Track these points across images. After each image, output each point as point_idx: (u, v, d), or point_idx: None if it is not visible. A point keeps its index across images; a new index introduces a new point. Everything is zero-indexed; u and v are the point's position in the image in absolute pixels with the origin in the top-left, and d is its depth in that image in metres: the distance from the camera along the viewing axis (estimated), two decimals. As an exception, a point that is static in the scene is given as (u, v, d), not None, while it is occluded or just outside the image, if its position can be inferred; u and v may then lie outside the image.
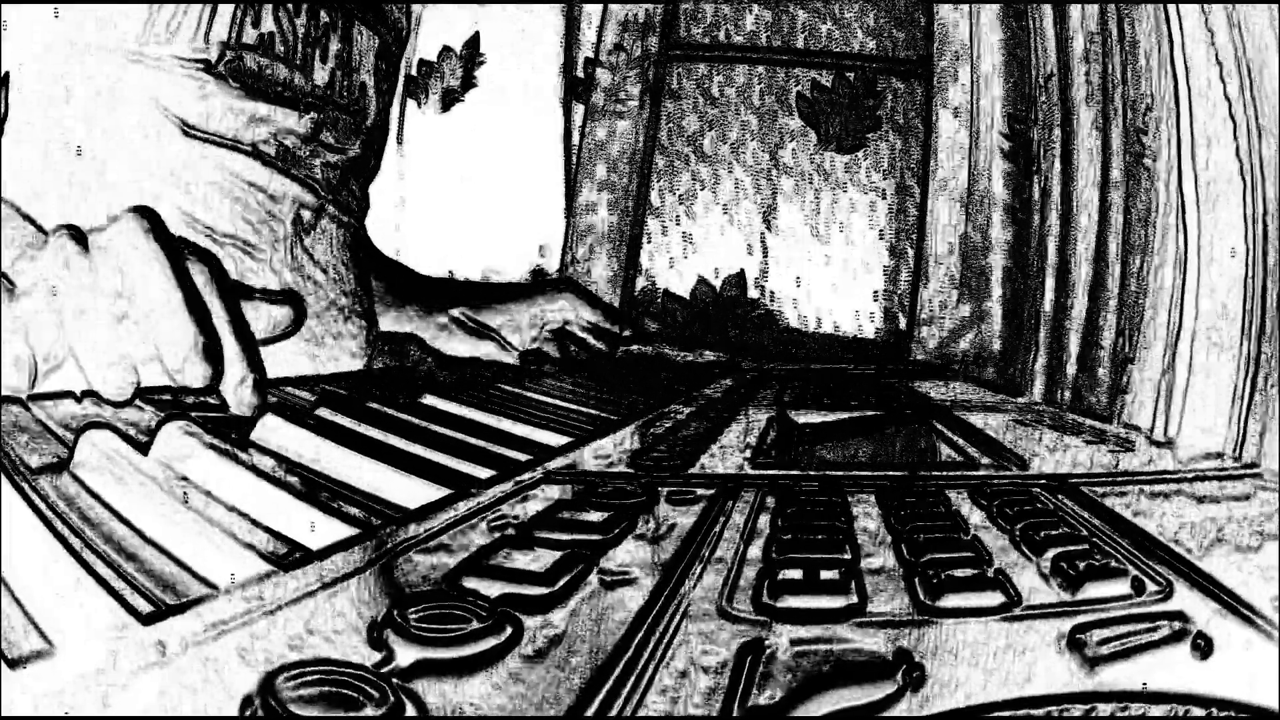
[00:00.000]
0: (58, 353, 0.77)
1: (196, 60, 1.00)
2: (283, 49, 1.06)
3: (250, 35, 1.03)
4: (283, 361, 1.07)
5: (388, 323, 1.48)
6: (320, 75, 1.10)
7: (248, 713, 0.42)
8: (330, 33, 1.10)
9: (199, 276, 0.78)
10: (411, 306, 1.50)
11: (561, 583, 0.55)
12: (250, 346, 0.79)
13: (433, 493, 0.74)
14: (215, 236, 1.03)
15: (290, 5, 1.06)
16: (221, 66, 1.01)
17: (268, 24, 1.04)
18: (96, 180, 0.98)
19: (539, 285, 1.66)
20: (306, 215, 1.09)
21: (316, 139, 1.11)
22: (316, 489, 0.73)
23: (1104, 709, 0.44)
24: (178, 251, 0.78)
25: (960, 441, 1.02)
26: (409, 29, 1.37)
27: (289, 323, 0.87)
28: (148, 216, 0.79)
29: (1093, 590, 0.57)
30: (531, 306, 1.57)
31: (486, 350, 1.52)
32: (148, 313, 0.75)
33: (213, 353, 0.76)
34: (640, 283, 1.90)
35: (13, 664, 0.46)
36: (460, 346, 1.51)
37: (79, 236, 0.79)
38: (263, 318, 0.85)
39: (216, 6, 1.01)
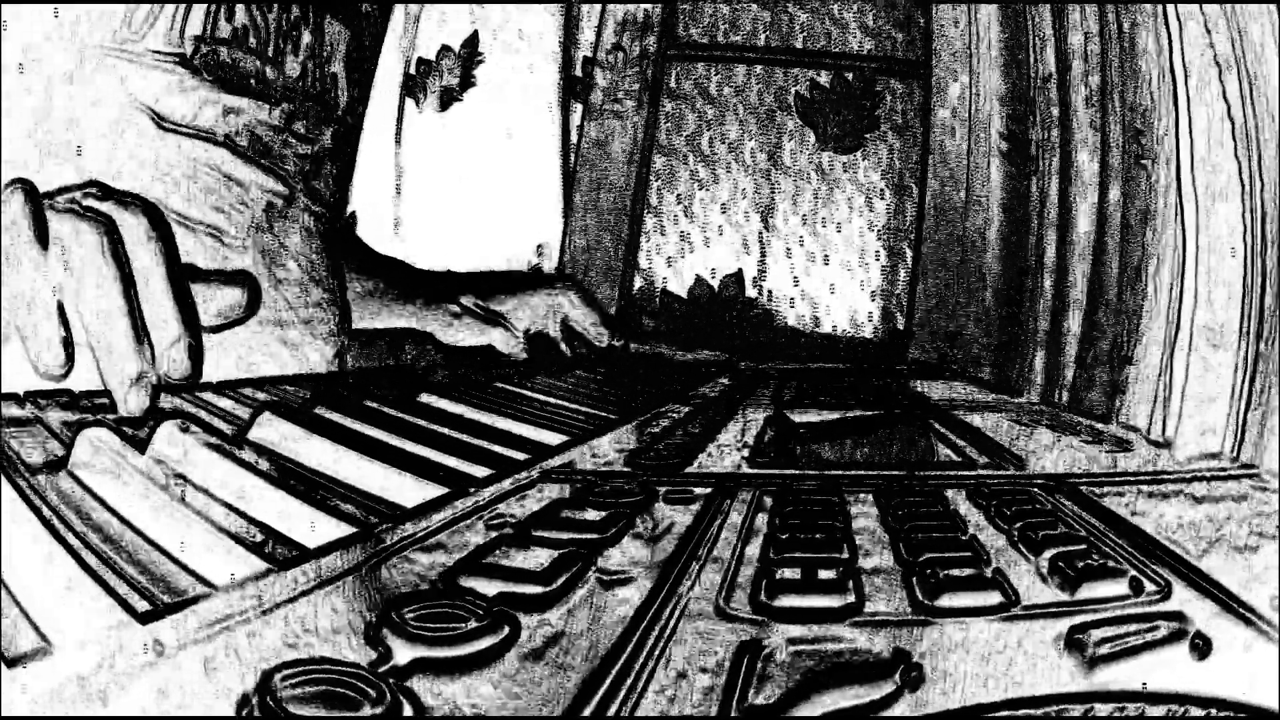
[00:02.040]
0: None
1: (172, 54, 1.00)
2: (255, 42, 1.06)
3: (224, 29, 1.03)
4: (253, 348, 1.07)
5: (390, 319, 1.48)
6: (292, 67, 1.10)
7: (245, 711, 0.42)
8: (302, 25, 1.11)
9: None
10: (415, 301, 1.50)
11: (559, 582, 0.55)
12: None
13: (430, 491, 0.74)
14: (188, 224, 1.03)
15: None
16: (196, 60, 1.01)
17: (241, 18, 1.04)
18: (75, 174, 0.98)
19: (546, 277, 1.67)
20: (278, 204, 1.09)
21: (288, 129, 1.11)
22: (314, 488, 0.72)
23: (1102, 709, 0.44)
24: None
25: (958, 441, 1.02)
26: (384, 21, 1.37)
27: (244, 305, 0.86)
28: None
29: (1091, 590, 0.57)
30: (539, 294, 1.59)
31: (495, 337, 1.52)
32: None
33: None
34: (638, 282, 1.90)
35: (11, 663, 0.46)
36: (469, 335, 1.51)
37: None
38: (217, 301, 0.84)
39: (191, 2, 1.01)
